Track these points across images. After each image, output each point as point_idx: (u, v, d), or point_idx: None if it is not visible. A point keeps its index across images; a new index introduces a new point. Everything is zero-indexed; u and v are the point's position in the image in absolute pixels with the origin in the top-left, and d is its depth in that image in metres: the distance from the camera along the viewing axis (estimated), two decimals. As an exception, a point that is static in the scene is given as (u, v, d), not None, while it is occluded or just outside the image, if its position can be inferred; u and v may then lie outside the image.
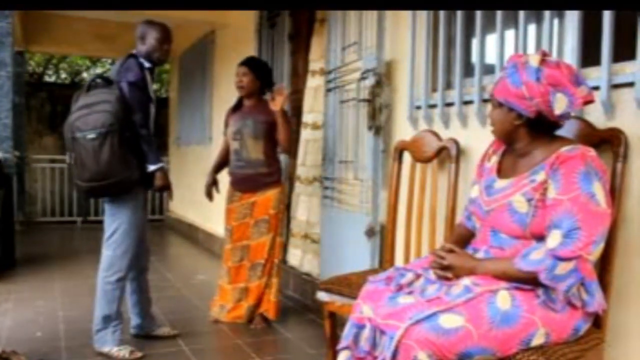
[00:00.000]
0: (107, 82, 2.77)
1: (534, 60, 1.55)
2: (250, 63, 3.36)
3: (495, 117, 1.68)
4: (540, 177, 1.55)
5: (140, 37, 2.87)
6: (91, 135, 2.59)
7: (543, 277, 1.45)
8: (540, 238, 1.54)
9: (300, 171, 3.97)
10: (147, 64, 2.87)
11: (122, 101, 2.67)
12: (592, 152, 1.53)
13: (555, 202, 1.49)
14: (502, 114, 1.64)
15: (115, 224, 2.77)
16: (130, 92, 2.72)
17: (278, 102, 3.20)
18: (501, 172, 1.72)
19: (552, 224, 1.48)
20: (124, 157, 2.63)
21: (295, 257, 3.97)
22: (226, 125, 3.45)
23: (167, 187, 2.91)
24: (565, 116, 1.56)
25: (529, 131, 1.62)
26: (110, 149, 2.59)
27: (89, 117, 2.62)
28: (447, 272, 1.62)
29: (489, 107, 1.84)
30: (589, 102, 1.59)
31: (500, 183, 1.68)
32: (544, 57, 1.57)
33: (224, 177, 3.45)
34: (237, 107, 3.41)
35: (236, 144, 3.31)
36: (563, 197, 1.48)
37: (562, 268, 1.44)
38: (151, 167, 2.79)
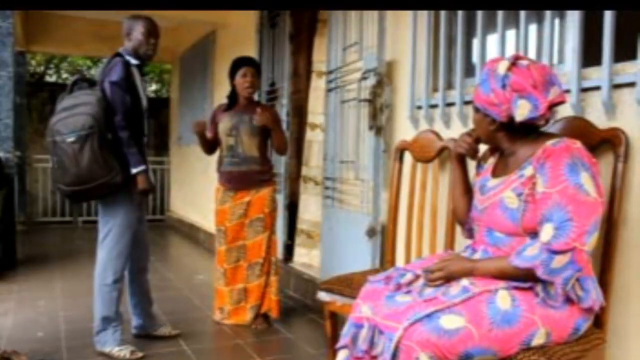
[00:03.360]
0: (90, 83, 2.74)
1: (502, 67, 1.58)
2: (255, 64, 3.35)
3: (475, 121, 1.74)
4: (528, 172, 1.57)
5: (126, 34, 2.81)
6: (71, 139, 2.56)
7: (540, 272, 1.45)
8: (534, 233, 1.55)
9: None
10: (134, 61, 2.80)
11: (104, 102, 2.63)
12: (577, 144, 1.54)
13: (545, 195, 1.50)
14: (479, 119, 1.70)
15: (108, 226, 2.76)
16: (112, 93, 2.66)
17: (261, 120, 3.16)
18: (495, 172, 1.74)
19: (544, 217, 1.49)
20: (104, 159, 2.59)
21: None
22: (214, 123, 3.36)
23: (148, 191, 2.76)
24: (534, 120, 1.57)
25: (507, 134, 1.66)
26: (91, 151, 2.55)
27: (68, 120, 2.59)
28: (441, 278, 1.61)
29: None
30: (559, 103, 1.60)
31: (493, 182, 1.71)
32: (517, 60, 1.59)
33: (213, 180, 3.34)
34: (229, 106, 3.34)
35: (231, 140, 3.27)
36: (551, 190, 1.49)
37: (558, 261, 1.44)
38: (133, 170, 2.69)
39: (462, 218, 1.92)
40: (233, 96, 3.34)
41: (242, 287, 3.31)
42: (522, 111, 1.55)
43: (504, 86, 1.56)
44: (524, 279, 1.50)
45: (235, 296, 3.31)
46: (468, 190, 1.90)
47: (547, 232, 1.47)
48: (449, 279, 1.60)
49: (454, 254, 1.81)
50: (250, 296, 3.30)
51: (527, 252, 1.49)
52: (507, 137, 1.66)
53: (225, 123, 3.30)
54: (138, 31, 2.78)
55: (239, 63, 3.30)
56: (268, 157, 3.39)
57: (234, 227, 3.29)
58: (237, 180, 3.28)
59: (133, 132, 2.72)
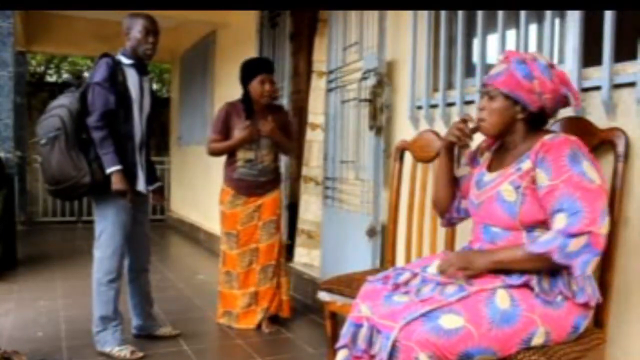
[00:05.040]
0: (79, 85, 2.75)
1: (541, 57, 1.61)
2: (272, 68, 3.22)
3: (493, 108, 1.64)
4: (526, 165, 1.58)
5: (125, 32, 2.79)
6: (42, 141, 2.62)
7: (557, 257, 1.45)
8: (531, 227, 1.56)
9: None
10: (128, 61, 2.76)
11: (78, 104, 2.64)
12: (574, 137, 1.57)
13: (551, 187, 1.51)
14: (504, 106, 1.62)
15: (101, 226, 2.76)
16: (91, 93, 2.65)
17: (266, 132, 3.14)
18: (491, 167, 1.75)
19: (554, 209, 1.50)
20: (73, 160, 2.58)
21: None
22: (227, 125, 3.19)
23: (122, 192, 2.66)
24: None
25: (525, 125, 1.65)
26: (59, 152, 2.57)
27: (44, 123, 2.65)
28: (469, 276, 1.58)
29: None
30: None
31: (489, 176, 1.71)
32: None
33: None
34: (248, 114, 3.16)
35: (250, 154, 3.18)
36: (557, 182, 1.50)
37: (575, 244, 1.44)
38: (107, 170, 2.63)
39: (443, 207, 1.93)
40: (248, 101, 3.18)
41: (253, 291, 3.24)
42: (570, 101, 1.61)
43: (550, 76, 1.58)
44: (539, 265, 1.49)
45: (246, 300, 3.25)
46: (452, 181, 1.90)
47: (560, 220, 1.47)
48: (474, 275, 1.57)
49: (465, 249, 1.78)
50: (262, 299, 3.24)
51: (542, 239, 1.50)
52: (523, 128, 1.65)
53: (241, 133, 3.14)
54: (136, 30, 2.76)
55: (255, 69, 3.14)
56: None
57: (247, 230, 3.23)
58: (252, 187, 3.22)
59: (117, 132, 2.68)
